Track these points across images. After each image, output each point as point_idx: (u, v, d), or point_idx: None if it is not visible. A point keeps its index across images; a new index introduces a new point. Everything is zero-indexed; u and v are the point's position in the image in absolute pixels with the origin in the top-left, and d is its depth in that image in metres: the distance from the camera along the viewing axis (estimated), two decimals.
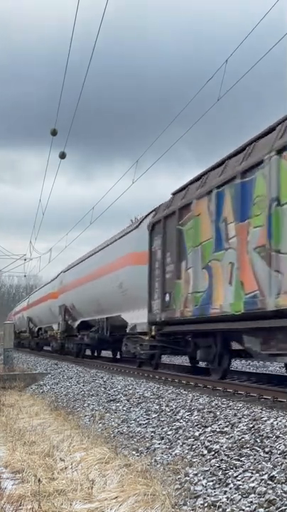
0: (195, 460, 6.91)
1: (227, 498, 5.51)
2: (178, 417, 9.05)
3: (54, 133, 18.92)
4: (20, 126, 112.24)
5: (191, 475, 6.42)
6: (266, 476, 5.63)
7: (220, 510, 5.36)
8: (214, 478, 6.13)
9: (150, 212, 16.33)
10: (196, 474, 6.40)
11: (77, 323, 25.36)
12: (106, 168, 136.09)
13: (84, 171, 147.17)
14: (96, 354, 26.38)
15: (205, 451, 7.07)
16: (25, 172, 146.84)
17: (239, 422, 7.71)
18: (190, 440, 7.75)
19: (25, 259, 42.91)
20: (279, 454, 6.11)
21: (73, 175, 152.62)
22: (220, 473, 6.20)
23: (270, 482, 5.49)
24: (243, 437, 7.00)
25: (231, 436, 7.19)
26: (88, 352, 26.45)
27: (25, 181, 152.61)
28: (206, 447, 7.21)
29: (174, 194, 14.54)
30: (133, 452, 8.04)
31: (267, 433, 6.89)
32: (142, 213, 19.91)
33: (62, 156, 20.53)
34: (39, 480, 6.51)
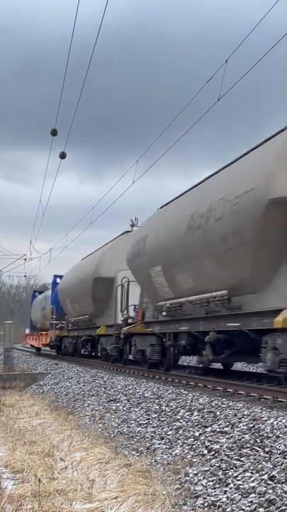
0: (195, 460, 6.91)
1: (227, 497, 5.51)
2: (178, 417, 9.05)
3: (54, 133, 18.86)
4: (31, 125, 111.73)
5: (191, 475, 6.42)
6: (266, 476, 5.63)
7: (220, 510, 5.36)
8: (214, 478, 6.13)
9: None
10: (196, 474, 6.40)
11: None
12: (117, 168, 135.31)
13: (95, 170, 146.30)
14: None
15: (205, 451, 7.07)
16: (32, 172, 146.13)
17: (239, 422, 7.71)
18: (190, 440, 7.75)
19: (25, 259, 42.76)
20: (279, 454, 6.11)
21: (84, 174, 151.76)
22: (220, 473, 6.20)
23: (270, 482, 5.49)
24: (243, 437, 7.00)
25: (232, 436, 7.19)
26: None
27: (31, 181, 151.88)
28: (206, 447, 7.21)
29: None
30: (133, 452, 8.04)
31: (267, 433, 6.88)
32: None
33: (63, 156, 20.46)
34: (39, 480, 6.52)
